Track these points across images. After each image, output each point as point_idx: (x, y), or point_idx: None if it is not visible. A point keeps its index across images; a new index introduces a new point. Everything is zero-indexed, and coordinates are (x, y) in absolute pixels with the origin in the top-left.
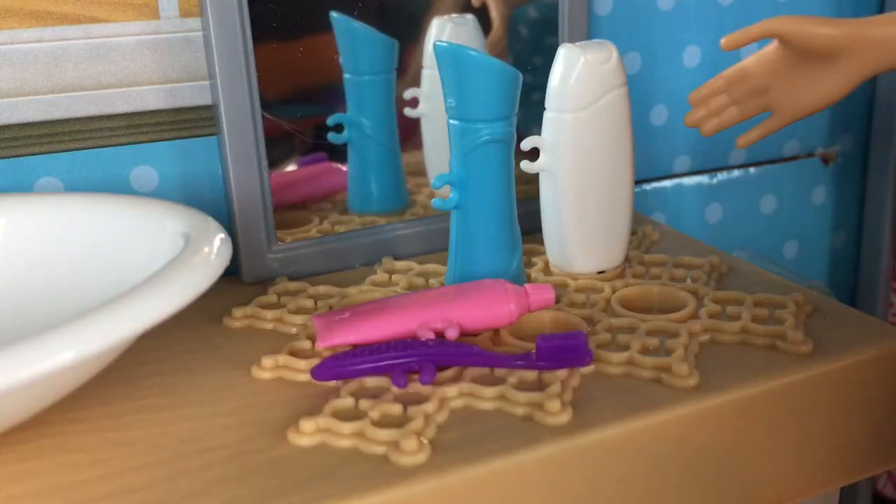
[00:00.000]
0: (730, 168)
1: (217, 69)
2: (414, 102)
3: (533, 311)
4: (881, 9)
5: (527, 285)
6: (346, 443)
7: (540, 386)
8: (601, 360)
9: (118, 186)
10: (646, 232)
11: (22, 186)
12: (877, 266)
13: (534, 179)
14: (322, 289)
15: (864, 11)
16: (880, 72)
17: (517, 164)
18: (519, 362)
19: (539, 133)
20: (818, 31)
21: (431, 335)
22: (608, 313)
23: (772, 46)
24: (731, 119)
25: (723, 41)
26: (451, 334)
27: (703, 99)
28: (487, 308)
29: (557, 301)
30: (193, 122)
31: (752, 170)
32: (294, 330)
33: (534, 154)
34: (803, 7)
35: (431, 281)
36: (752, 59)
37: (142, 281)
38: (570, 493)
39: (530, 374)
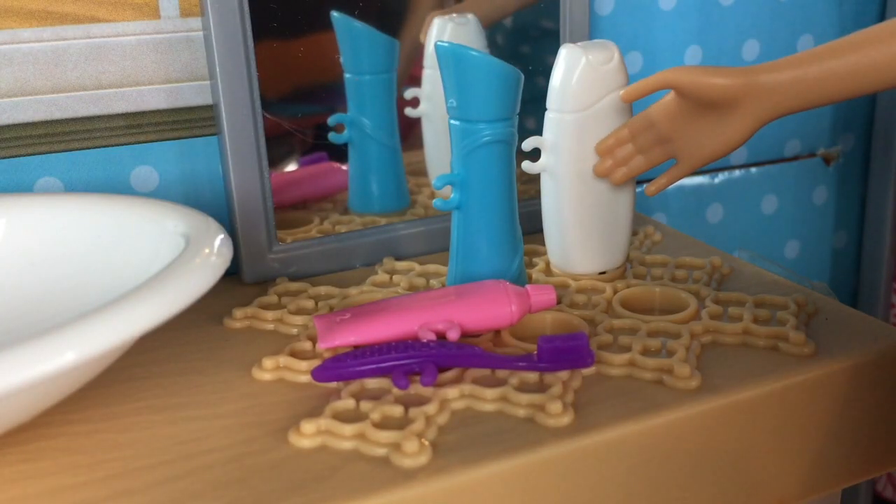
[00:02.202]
0: (731, 168)
1: (217, 69)
2: (415, 102)
3: (534, 312)
4: (883, 8)
5: (528, 286)
6: (347, 444)
7: (541, 387)
8: (602, 361)
9: (118, 186)
10: (647, 232)
11: (22, 186)
12: (878, 267)
13: (535, 179)
14: (323, 289)
15: (865, 11)
16: (777, 117)
17: (518, 165)
18: (520, 363)
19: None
20: (711, 81)
21: (433, 336)
22: (609, 314)
23: (672, 95)
24: (638, 168)
25: (621, 94)
26: (453, 335)
27: (610, 149)
28: (488, 309)
29: (559, 302)
30: (193, 122)
31: (753, 170)
32: (295, 331)
33: (535, 154)
34: (804, 7)
35: (432, 281)
36: (655, 108)
37: (142, 282)
38: (571, 494)
39: (532, 376)
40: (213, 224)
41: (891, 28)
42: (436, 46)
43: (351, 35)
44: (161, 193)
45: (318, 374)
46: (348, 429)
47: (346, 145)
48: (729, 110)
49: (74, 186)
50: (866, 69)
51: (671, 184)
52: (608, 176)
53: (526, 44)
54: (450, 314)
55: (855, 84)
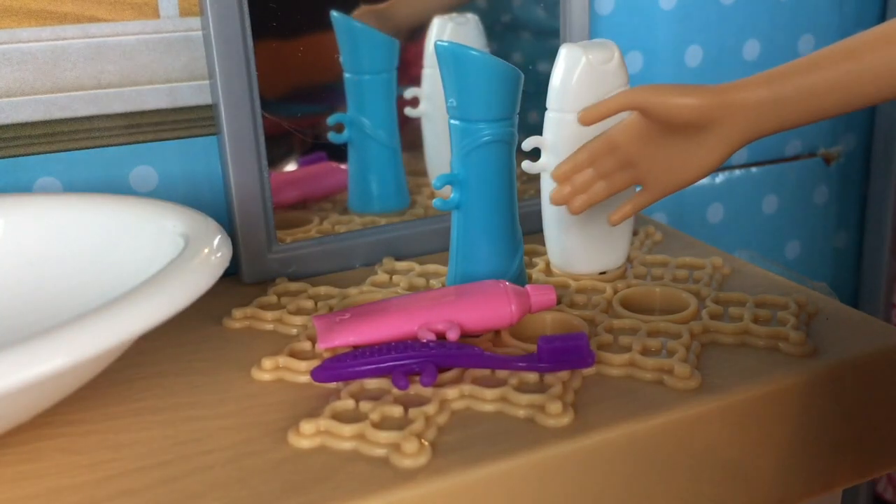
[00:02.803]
0: (731, 168)
1: (217, 69)
2: (415, 102)
3: (534, 312)
4: (883, 8)
5: (528, 286)
6: (346, 445)
7: (541, 387)
8: (603, 361)
9: (117, 186)
10: (647, 232)
11: (21, 186)
12: (879, 266)
13: (535, 179)
14: (322, 289)
15: (866, 10)
16: (754, 139)
17: (518, 165)
18: (520, 364)
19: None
20: (680, 102)
21: (432, 336)
22: (610, 314)
23: (636, 116)
24: (599, 195)
25: (579, 116)
26: (452, 335)
27: (567, 175)
28: (488, 309)
29: (559, 302)
30: (193, 122)
31: (754, 170)
32: (294, 331)
33: (535, 154)
34: (804, 7)
35: (432, 281)
36: (617, 130)
37: (141, 282)
38: (571, 495)
39: (531, 376)
40: (212, 224)
41: (866, 41)
42: (436, 46)
43: (351, 35)
44: (160, 193)
45: (317, 374)
46: (348, 429)
47: (345, 145)
48: (700, 133)
49: (74, 186)
50: (846, 84)
51: (636, 212)
52: (566, 203)
53: (526, 44)
54: (450, 314)
55: (828, 102)
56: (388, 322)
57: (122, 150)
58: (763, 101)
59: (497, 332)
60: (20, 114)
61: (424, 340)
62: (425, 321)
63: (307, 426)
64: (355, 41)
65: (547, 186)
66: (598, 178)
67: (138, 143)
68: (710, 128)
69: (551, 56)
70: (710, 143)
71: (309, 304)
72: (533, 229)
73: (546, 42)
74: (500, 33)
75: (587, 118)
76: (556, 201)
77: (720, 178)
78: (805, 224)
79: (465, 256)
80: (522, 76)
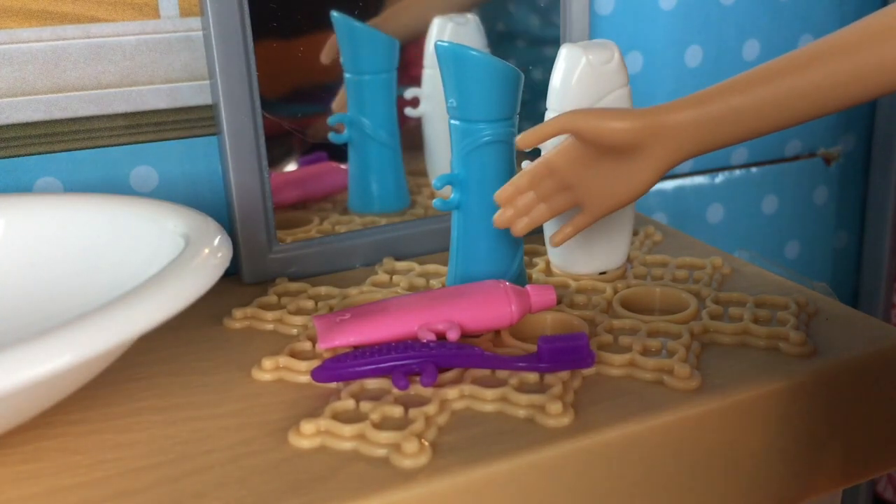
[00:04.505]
0: (731, 168)
1: (217, 69)
2: (415, 102)
3: (534, 312)
4: (883, 6)
5: (528, 286)
6: (346, 445)
7: (541, 388)
8: (603, 361)
9: (118, 186)
10: (647, 232)
11: (21, 186)
12: (879, 267)
13: None
14: (322, 289)
15: (865, 10)
16: (685, 159)
17: (518, 165)
18: (520, 364)
19: None
20: (612, 125)
21: (432, 336)
22: (610, 314)
23: (571, 140)
24: (541, 217)
25: (517, 140)
26: (452, 335)
27: (510, 198)
28: (488, 309)
29: (559, 302)
30: (193, 122)
31: (753, 170)
32: (294, 331)
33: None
34: (804, 7)
35: (432, 281)
36: (555, 154)
37: (141, 282)
38: (571, 495)
39: (532, 376)
40: (212, 224)
41: (794, 60)
42: (436, 46)
43: (351, 35)
44: (161, 193)
45: (317, 374)
46: (348, 429)
47: (345, 145)
48: (632, 155)
49: (74, 186)
50: (772, 105)
51: (577, 233)
52: (509, 226)
53: (520, 51)
54: (450, 314)
55: (761, 121)
56: (388, 322)
57: (122, 151)
58: (690, 123)
59: (497, 332)
60: (20, 114)
61: (424, 340)
62: (425, 321)
63: (307, 426)
64: (355, 41)
65: None
66: (539, 201)
67: (138, 143)
68: (642, 150)
69: (543, 63)
70: (643, 164)
71: (309, 304)
72: (533, 230)
73: (541, 50)
74: (494, 42)
75: (523, 143)
76: (498, 224)
77: (720, 178)
78: (805, 224)
79: (466, 256)
80: (522, 76)
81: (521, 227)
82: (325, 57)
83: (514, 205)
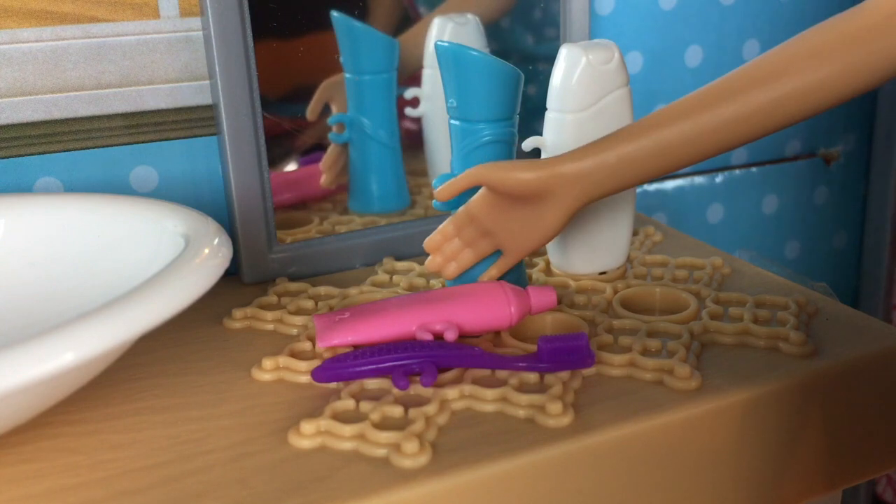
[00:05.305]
0: (731, 168)
1: (217, 69)
2: (415, 102)
3: (534, 313)
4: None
5: (529, 287)
6: (346, 445)
7: (541, 388)
8: (603, 361)
9: (118, 187)
10: (647, 232)
11: (21, 186)
12: (879, 267)
13: None
14: (322, 289)
15: None
16: (589, 202)
17: None
18: (520, 364)
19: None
20: (516, 177)
21: (430, 337)
22: (610, 314)
23: (486, 190)
24: (467, 261)
25: (436, 193)
26: (450, 336)
27: (437, 245)
28: (487, 310)
29: (559, 302)
30: (193, 122)
31: (753, 170)
32: (294, 331)
33: (535, 154)
34: (804, 7)
35: (432, 282)
36: (473, 203)
37: (141, 282)
38: (571, 495)
39: (532, 376)
40: (212, 224)
41: (684, 105)
42: (436, 46)
43: (351, 35)
44: (161, 193)
45: (317, 374)
46: (348, 429)
47: (345, 145)
48: (539, 202)
49: (74, 186)
50: (661, 151)
51: (500, 274)
52: (440, 271)
53: (526, 43)
54: (448, 315)
55: (654, 166)
56: (386, 322)
57: (122, 150)
58: (589, 171)
59: (497, 333)
60: (20, 114)
61: (423, 341)
62: (424, 322)
63: (307, 426)
64: (355, 41)
65: None
66: (464, 247)
67: (138, 143)
68: (548, 197)
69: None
70: (550, 210)
71: (309, 304)
72: None
73: (532, 67)
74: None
75: (441, 195)
76: (430, 270)
77: (720, 178)
78: (805, 224)
79: None
80: (523, 76)
81: (451, 271)
82: (310, 114)
83: (443, 251)
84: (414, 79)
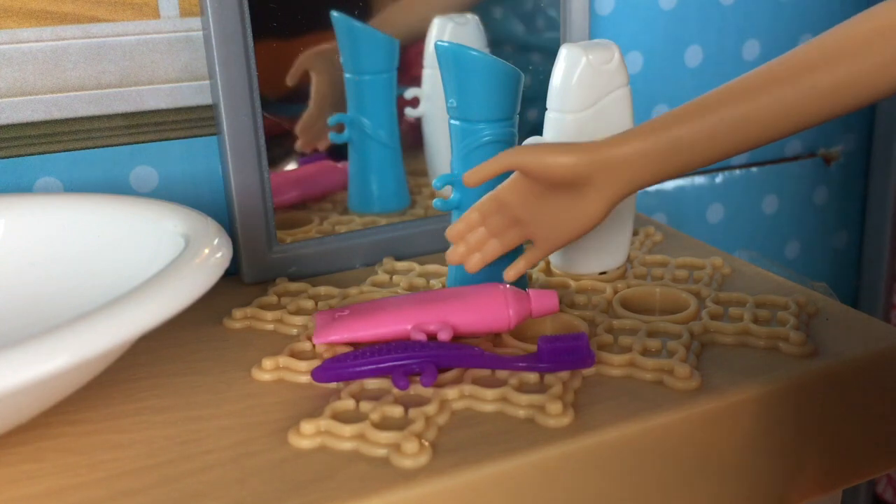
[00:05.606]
0: (731, 168)
1: (217, 69)
2: (415, 102)
3: (535, 317)
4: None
5: (530, 290)
6: (346, 445)
7: (541, 388)
8: (603, 361)
9: (118, 186)
10: (647, 232)
11: (21, 186)
12: (879, 267)
13: None
14: (322, 289)
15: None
16: (636, 191)
17: None
18: (520, 364)
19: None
20: (555, 161)
21: (423, 337)
22: (610, 314)
23: (519, 175)
24: (493, 252)
25: (464, 177)
26: (443, 336)
27: (461, 235)
28: (485, 313)
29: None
30: (193, 122)
31: (754, 170)
32: (294, 331)
33: None
34: (804, 7)
35: (433, 281)
36: (505, 189)
37: (141, 282)
38: (571, 495)
39: (532, 376)
40: (212, 224)
41: (736, 88)
42: (436, 46)
43: (351, 35)
44: (161, 193)
45: (317, 374)
46: (348, 429)
47: (345, 145)
48: (579, 189)
49: (74, 186)
50: (720, 133)
51: (529, 268)
52: (462, 263)
53: (526, 43)
54: (445, 316)
55: (710, 149)
56: (382, 321)
57: (122, 150)
58: (638, 156)
59: (497, 333)
60: (20, 114)
61: (417, 340)
62: (420, 321)
63: (307, 426)
64: (355, 41)
65: None
66: (490, 237)
67: (138, 143)
68: (588, 184)
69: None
70: (590, 198)
71: (309, 304)
72: None
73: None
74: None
75: (471, 179)
76: (451, 261)
77: (720, 178)
78: (805, 224)
79: None
80: (523, 76)
81: (474, 264)
82: (289, 80)
83: (466, 241)
84: (414, 79)
